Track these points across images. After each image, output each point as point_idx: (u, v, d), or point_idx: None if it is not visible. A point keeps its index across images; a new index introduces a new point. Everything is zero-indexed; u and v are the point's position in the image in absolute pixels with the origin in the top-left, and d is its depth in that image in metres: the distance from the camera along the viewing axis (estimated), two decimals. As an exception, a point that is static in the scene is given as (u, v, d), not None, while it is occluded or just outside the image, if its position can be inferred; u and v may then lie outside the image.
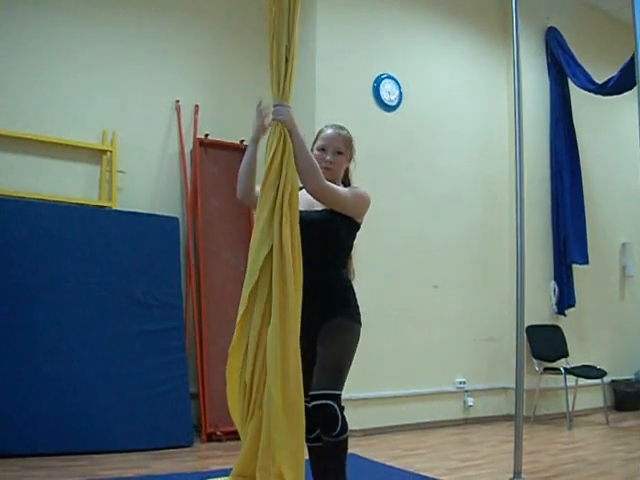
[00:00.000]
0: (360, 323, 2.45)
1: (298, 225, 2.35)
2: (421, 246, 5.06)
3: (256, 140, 2.46)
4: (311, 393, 2.31)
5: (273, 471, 2.23)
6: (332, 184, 2.43)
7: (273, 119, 2.40)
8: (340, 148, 2.52)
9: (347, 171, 2.63)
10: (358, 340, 2.43)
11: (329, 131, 2.54)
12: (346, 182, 2.63)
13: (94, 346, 3.78)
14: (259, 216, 2.36)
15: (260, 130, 2.45)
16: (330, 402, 2.28)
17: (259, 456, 2.24)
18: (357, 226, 2.52)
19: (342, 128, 2.58)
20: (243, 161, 2.48)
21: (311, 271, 2.36)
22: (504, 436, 4.60)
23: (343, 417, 2.33)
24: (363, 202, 2.50)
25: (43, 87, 4.15)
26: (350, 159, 2.59)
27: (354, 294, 2.48)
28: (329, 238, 2.43)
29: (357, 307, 2.47)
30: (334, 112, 4.50)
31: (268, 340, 2.26)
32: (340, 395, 2.34)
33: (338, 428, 2.30)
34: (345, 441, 2.35)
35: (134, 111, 4.47)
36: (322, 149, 2.51)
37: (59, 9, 4.24)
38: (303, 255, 2.36)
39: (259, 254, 2.32)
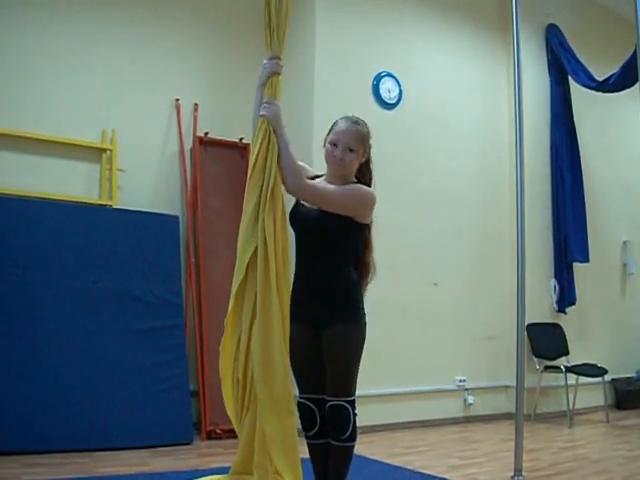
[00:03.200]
0: (365, 323, 2.43)
1: (285, 222, 2.37)
2: (421, 244, 5.06)
3: (264, 85, 2.45)
4: (327, 404, 2.36)
5: (271, 468, 2.24)
6: (315, 184, 2.40)
7: (260, 115, 2.42)
8: (351, 145, 2.39)
9: (363, 167, 2.49)
10: (364, 341, 2.42)
11: (342, 125, 2.42)
12: (363, 179, 2.49)
13: (94, 344, 3.78)
14: (244, 214, 2.38)
15: (267, 75, 2.43)
16: (345, 404, 2.34)
17: (255, 453, 2.26)
18: (359, 226, 2.42)
19: (357, 122, 2.44)
20: (254, 109, 2.46)
21: (313, 269, 2.39)
22: (504, 434, 4.59)
23: (355, 423, 2.37)
24: (356, 201, 2.38)
25: (43, 86, 4.15)
26: (363, 155, 2.45)
27: (358, 293, 2.44)
28: (327, 238, 2.40)
29: (361, 308, 2.43)
30: (333, 110, 4.46)
31: (252, 337, 2.27)
32: (354, 400, 2.39)
33: (348, 432, 2.35)
34: (351, 449, 2.40)
35: (134, 110, 4.46)
36: (334, 144, 2.40)
37: (58, 8, 4.24)
38: (306, 253, 2.39)
39: (245, 253, 2.34)
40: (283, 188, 2.41)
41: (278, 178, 2.38)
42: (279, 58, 2.45)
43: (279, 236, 2.33)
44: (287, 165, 2.38)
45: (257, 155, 2.38)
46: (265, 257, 2.29)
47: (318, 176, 2.53)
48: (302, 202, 2.47)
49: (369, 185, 2.49)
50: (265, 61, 2.46)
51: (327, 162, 2.46)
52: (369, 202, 2.42)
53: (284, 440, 2.24)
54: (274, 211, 2.34)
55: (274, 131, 2.40)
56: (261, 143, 2.38)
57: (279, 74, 2.45)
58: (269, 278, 2.28)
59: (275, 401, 2.24)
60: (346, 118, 2.46)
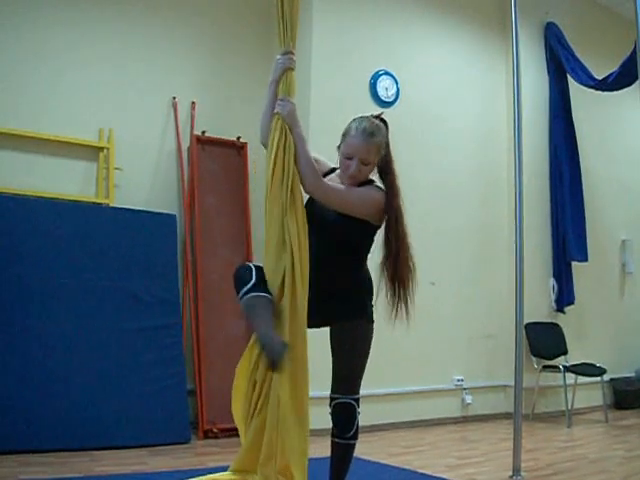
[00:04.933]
0: (373, 321, 2.42)
1: (305, 222, 2.31)
2: (418, 243, 4.95)
3: (277, 81, 2.39)
4: (333, 401, 2.38)
5: (276, 468, 2.22)
6: (334, 187, 2.33)
7: (275, 112, 2.37)
8: (367, 159, 2.32)
9: (384, 167, 2.41)
10: (372, 339, 2.42)
11: (357, 139, 2.31)
12: (385, 180, 2.41)
13: (91, 343, 3.76)
14: (269, 216, 2.31)
15: (281, 71, 2.38)
16: (352, 402, 2.36)
17: (262, 453, 2.23)
18: (375, 229, 2.39)
19: (372, 134, 2.33)
20: (265, 106, 2.41)
21: (323, 268, 2.33)
22: (503, 434, 4.58)
23: (358, 421, 2.39)
24: (368, 204, 2.33)
25: (40, 84, 4.13)
26: (380, 161, 2.39)
27: (370, 293, 2.42)
28: (342, 240, 2.37)
29: (370, 306, 2.42)
30: (330, 108, 4.49)
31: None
32: (359, 399, 2.40)
33: (353, 430, 2.36)
34: (353, 447, 2.41)
35: (131, 108, 4.45)
36: (348, 157, 2.33)
37: (56, 7, 4.22)
38: (319, 252, 2.33)
39: (277, 261, 2.27)
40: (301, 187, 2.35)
41: (296, 178, 2.31)
42: (292, 53, 2.38)
43: (302, 236, 2.27)
44: (305, 165, 2.31)
45: (275, 155, 2.31)
46: (292, 261, 2.23)
47: (334, 169, 2.47)
48: None
49: (390, 185, 2.39)
50: (278, 56, 2.39)
51: (341, 170, 2.40)
52: (377, 205, 2.35)
53: (302, 444, 2.22)
54: (296, 215, 2.29)
55: (290, 129, 2.34)
56: (278, 142, 2.32)
57: (293, 69, 2.39)
58: (295, 284, 2.22)
59: (295, 406, 2.21)
60: (362, 130, 2.32)
